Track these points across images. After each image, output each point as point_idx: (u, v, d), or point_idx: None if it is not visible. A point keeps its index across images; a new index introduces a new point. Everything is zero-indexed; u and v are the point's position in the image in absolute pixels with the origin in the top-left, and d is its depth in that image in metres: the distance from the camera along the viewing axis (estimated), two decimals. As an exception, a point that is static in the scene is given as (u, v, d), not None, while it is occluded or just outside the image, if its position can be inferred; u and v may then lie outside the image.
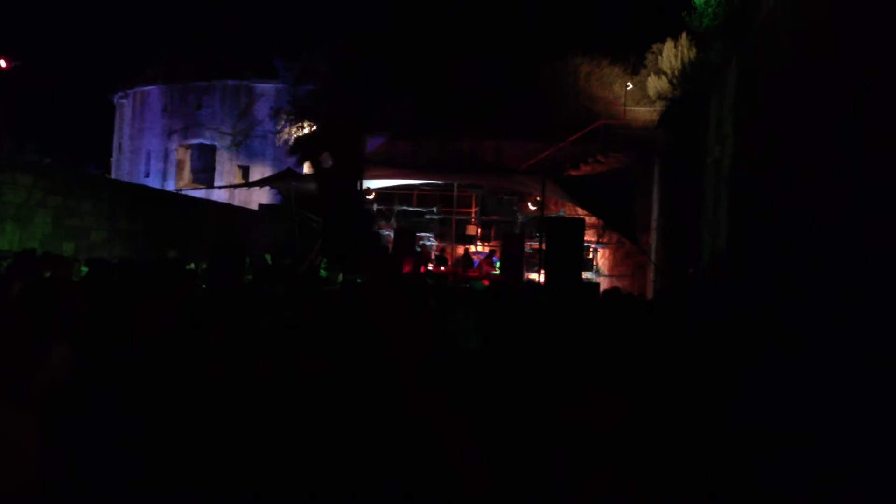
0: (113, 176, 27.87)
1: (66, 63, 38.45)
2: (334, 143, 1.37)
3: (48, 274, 5.51)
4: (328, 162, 1.37)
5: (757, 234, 8.67)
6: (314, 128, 23.13)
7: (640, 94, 21.46)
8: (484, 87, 22.35)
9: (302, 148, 1.40)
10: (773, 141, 8.35)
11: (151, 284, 3.15)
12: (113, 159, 29.45)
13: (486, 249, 22.27)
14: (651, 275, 19.60)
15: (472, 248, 22.33)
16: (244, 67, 25.43)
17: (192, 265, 9.35)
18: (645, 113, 21.35)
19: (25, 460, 1.81)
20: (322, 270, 12.33)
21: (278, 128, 23.78)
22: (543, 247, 17.92)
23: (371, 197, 21.30)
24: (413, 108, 22.11)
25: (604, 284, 18.29)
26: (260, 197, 23.60)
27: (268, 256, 15.39)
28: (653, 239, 20.17)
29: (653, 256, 19.52)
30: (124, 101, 28.46)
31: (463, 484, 1.21)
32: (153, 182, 25.76)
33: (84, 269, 8.01)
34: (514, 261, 18.92)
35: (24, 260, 6.15)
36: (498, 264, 20.05)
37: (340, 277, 10.43)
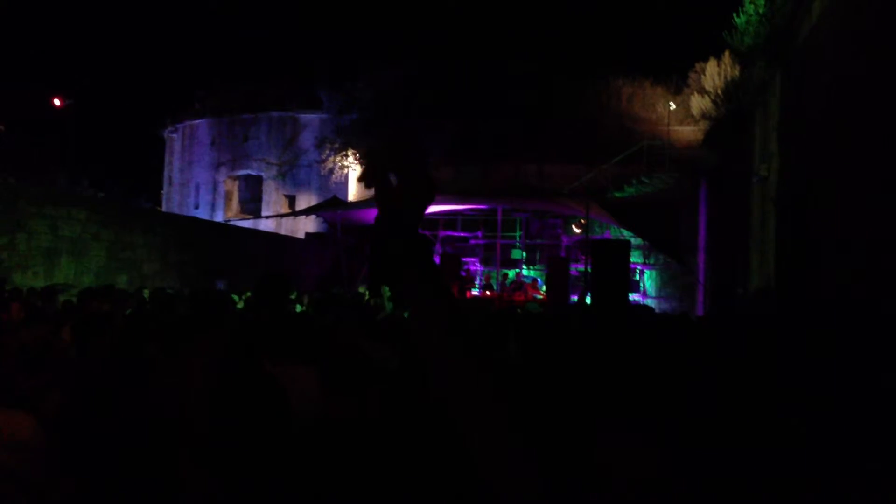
0: (164, 208, 28.51)
1: (117, 100, 39.62)
2: (401, 163, 1.30)
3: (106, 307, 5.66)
4: (393, 182, 1.29)
5: (806, 253, 8.53)
6: (357, 155, 23.41)
7: (683, 113, 21.31)
8: (526, 112, 22.41)
9: (372, 165, 1.32)
10: (820, 159, 8.23)
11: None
12: (163, 192, 30.13)
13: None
14: (700, 296, 19.33)
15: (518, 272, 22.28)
16: (289, 99, 25.90)
17: (236, 297, 9.48)
18: (689, 133, 21.18)
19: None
20: (388, 303, 12.43)
21: (323, 157, 24.10)
22: (589, 269, 17.84)
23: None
24: (455, 134, 22.26)
25: (651, 306, 18.09)
26: (306, 225, 23.93)
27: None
28: (700, 259, 19.91)
29: (701, 277, 19.26)
30: (174, 135, 29.16)
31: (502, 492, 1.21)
32: (202, 213, 26.28)
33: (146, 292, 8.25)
34: (560, 284, 18.84)
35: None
36: (543, 288, 19.99)
37: (389, 306, 10.45)
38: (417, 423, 2.41)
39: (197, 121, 27.82)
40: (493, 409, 1.22)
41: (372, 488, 2.07)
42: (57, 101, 25.75)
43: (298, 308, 10.36)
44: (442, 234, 23.11)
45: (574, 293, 20.36)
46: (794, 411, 3.02)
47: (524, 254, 22.65)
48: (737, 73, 15.04)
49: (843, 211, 7.25)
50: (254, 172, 26.72)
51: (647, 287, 21.95)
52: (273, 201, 26.08)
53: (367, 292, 16.44)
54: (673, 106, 22.07)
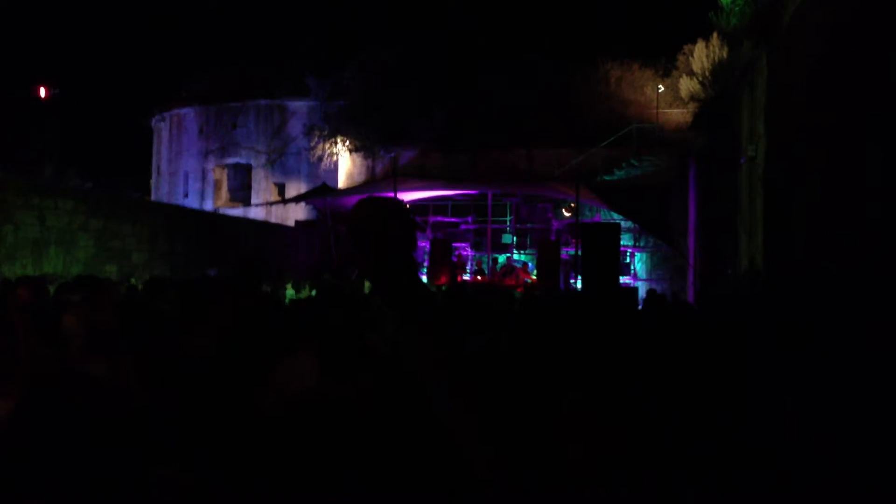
0: (152, 198, 28.39)
1: (103, 89, 39.36)
2: (389, 228, 1.36)
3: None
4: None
5: (793, 233, 8.57)
6: (346, 142, 23.32)
7: (672, 96, 21.30)
8: (514, 96, 22.37)
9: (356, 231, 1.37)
10: (806, 139, 8.25)
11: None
12: (152, 181, 30.00)
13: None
14: (690, 277, 19.40)
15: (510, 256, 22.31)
16: (277, 86, 25.78)
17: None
18: (678, 115, 21.18)
19: None
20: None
21: (312, 144, 24.03)
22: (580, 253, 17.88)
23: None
24: (444, 120, 22.21)
25: (642, 289, 18.16)
26: (296, 213, 23.88)
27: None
28: (690, 241, 19.97)
29: (691, 259, 19.32)
30: (161, 124, 29.00)
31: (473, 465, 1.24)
32: (192, 202, 26.20)
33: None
34: (551, 268, 18.88)
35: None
36: (535, 272, 20.03)
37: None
38: (406, 408, 2.42)
39: (184, 109, 27.67)
40: (455, 403, 1.27)
41: (365, 471, 2.09)
42: (42, 91, 25.56)
43: (290, 293, 10.41)
44: (432, 219, 23.10)
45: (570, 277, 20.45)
46: (769, 391, 3.05)
47: (515, 238, 22.66)
48: (724, 54, 15.04)
49: (827, 191, 7.28)
50: (243, 161, 26.63)
51: (638, 269, 22.01)
52: (262, 189, 26.01)
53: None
54: (662, 88, 22.06)
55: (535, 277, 19.60)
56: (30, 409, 2.30)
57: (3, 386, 2.43)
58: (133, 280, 9.49)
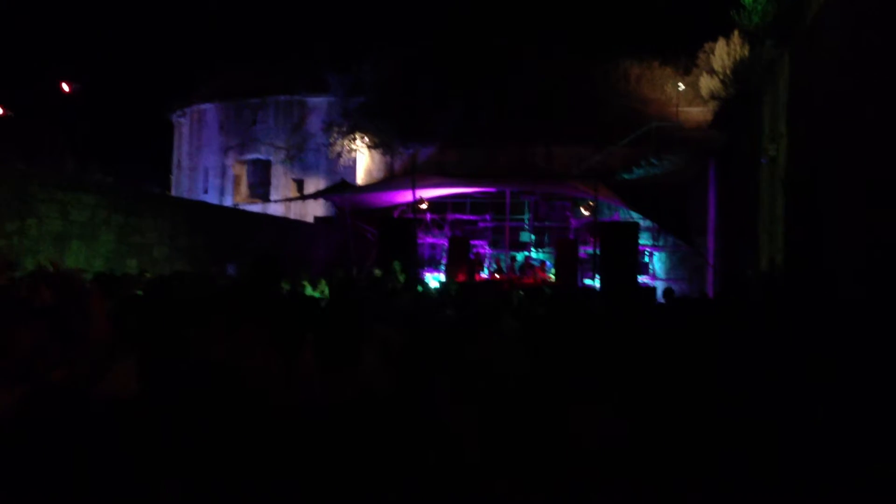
0: (173, 193, 28.58)
1: (126, 85, 39.62)
2: None
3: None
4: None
5: (815, 233, 8.51)
6: (365, 138, 23.34)
7: (692, 94, 21.17)
8: (533, 93, 22.31)
9: None
10: (828, 138, 8.19)
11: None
12: (172, 177, 30.19)
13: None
14: (709, 277, 19.30)
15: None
16: (296, 82, 25.85)
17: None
18: (698, 113, 21.07)
19: None
20: (401, 275, 13.10)
21: (331, 140, 24.09)
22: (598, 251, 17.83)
23: (424, 206, 21.44)
24: (462, 116, 22.20)
25: (660, 289, 18.09)
26: (315, 209, 23.96)
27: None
28: (710, 241, 19.87)
29: (711, 259, 19.22)
30: (182, 119, 29.18)
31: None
32: (211, 198, 26.34)
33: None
34: (569, 266, 18.84)
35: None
36: (553, 270, 19.99)
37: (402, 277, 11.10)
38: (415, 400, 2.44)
39: (205, 105, 27.82)
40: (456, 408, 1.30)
41: (366, 464, 2.10)
42: (65, 87, 25.80)
43: (308, 290, 10.48)
44: (450, 216, 23.11)
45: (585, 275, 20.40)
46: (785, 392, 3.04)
47: (533, 236, 22.62)
48: (745, 52, 14.92)
49: (849, 191, 7.22)
50: (262, 157, 26.75)
51: (657, 269, 21.92)
52: (281, 185, 26.12)
53: (379, 272, 16.57)
54: (682, 86, 21.94)
55: (552, 276, 19.57)
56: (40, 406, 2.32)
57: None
58: (148, 274, 9.55)
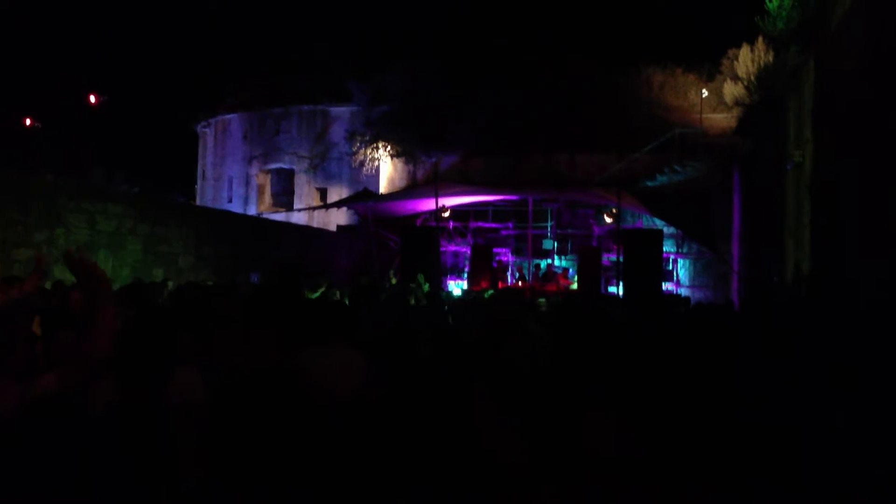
0: (198, 202, 28.87)
1: (151, 96, 40.13)
2: None
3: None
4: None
5: (840, 240, 8.42)
6: (388, 147, 23.45)
7: (716, 101, 21.04)
8: (556, 101, 22.29)
9: None
10: (854, 144, 8.11)
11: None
12: (197, 186, 30.50)
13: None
14: (734, 285, 19.14)
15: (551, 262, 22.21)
16: (319, 92, 26.05)
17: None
18: (722, 120, 20.93)
19: None
20: (425, 284, 13.27)
21: (354, 149, 24.22)
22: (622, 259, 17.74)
23: (446, 215, 21.47)
24: (485, 125, 22.22)
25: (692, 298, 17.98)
26: (338, 218, 24.09)
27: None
28: (734, 248, 19.70)
29: (736, 266, 19.06)
30: (206, 129, 29.48)
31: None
32: (235, 207, 26.58)
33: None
34: (592, 274, 18.76)
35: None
36: (575, 278, 19.92)
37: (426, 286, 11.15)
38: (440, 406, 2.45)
39: (229, 115, 28.10)
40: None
41: (397, 469, 2.12)
42: (92, 98, 26.19)
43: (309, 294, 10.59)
44: (473, 224, 23.11)
45: (607, 283, 20.31)
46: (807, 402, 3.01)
47: (556, 244, 22.55)
48: (770, 58, 14.81)
49: (875, 198, 7.15)
50: (285, 166, 26.96)
51: (681, 276, 21.78)
52: (305, 194, 26.29)
53: (394, 279, 16.62)
54: (705, 93, 21.82)
55: (574, 283, 19.50)
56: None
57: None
58: (170, 284, 9.65)
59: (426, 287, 14.46)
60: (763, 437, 2.40)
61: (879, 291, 6.58)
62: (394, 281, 16.54)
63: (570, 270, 21.21)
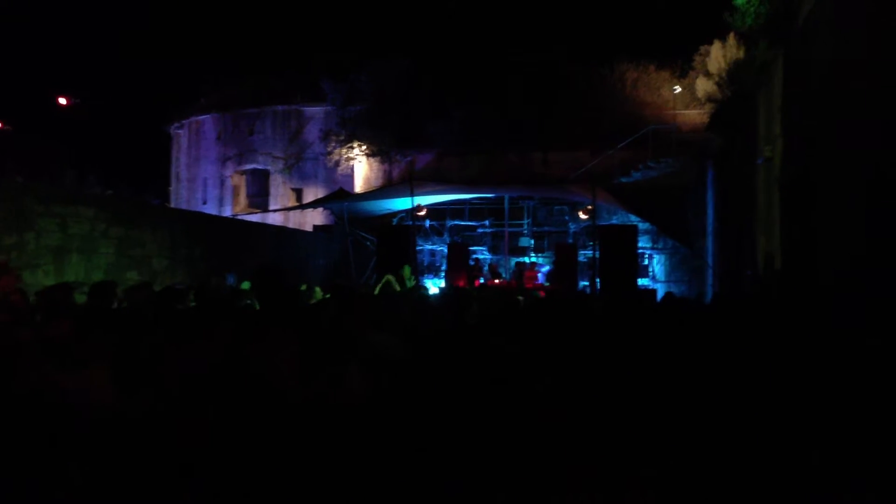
0: (172, 204, 28.62)
1: (123, 98, 39.76)
2: None
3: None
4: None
5: (810, 233, 8.53)
6: (363, 147, 23.41)
7: (689, 97, 21.22)
8: (530, 99, 22.37)
9: None
10: (822, 139, 8.22)
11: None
12: (171, 188, 30.24)
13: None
14: (709, 279, 19.32)
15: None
16: (293, 92, 25.93)
17: (247, 284, 9.77)
18: (695, 116, 21.10)
19: None
20: (409, 279, 13.38)
21: (329, 149, 24.15)
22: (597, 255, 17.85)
23: (422, 213, 21.47)
24: (460, 124, 22.25)
25: (661, 291, 18.12)
26: (314, 218, 23.99)
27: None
28: (709, 243, 19.89)
29: (710, 260, 19.24)
30: (180, 131, 29.23)
31: None
32: (210, 209, 26.38)
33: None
34: (568, 270, 18.85)
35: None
36: (543, 270, 20.09)
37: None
38: (421, 407, 2.45)
39: (202, 116, 27.88)
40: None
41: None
42: (63, 100, 25.90)
43: (318, 295, 10.57)
44: (449, 223, 23.13)
45: (583, 280, 20.42)
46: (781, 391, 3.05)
47: (532, 241, 22.63)
48: (740, 54, 14.95)
49: (844, 191, 7.24)
50: (260, 167, 26.80)
51: (657, 271, 21.93)
52: (280, 195, 26.16)
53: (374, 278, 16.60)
54: (678, 89, 21.99)
55: (539, 276, 19.58)
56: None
57: None
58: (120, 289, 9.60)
59: (411, 281, 14.47)
60: (732, 428, 2.43)
61: (850, 282, 6.67)
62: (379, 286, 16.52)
63: (539, 264, 21.31)
